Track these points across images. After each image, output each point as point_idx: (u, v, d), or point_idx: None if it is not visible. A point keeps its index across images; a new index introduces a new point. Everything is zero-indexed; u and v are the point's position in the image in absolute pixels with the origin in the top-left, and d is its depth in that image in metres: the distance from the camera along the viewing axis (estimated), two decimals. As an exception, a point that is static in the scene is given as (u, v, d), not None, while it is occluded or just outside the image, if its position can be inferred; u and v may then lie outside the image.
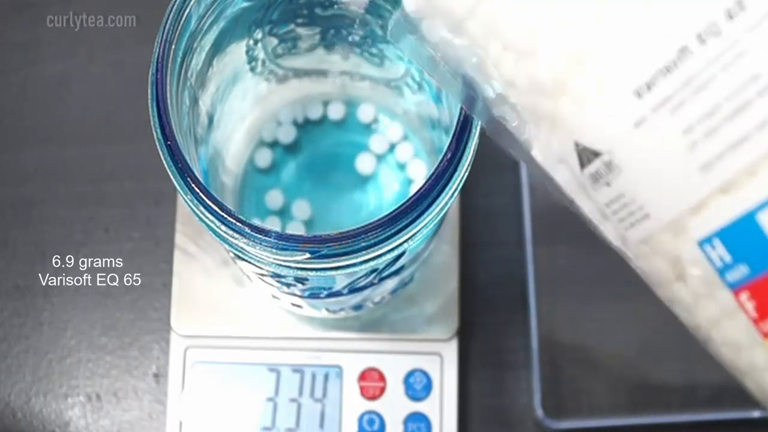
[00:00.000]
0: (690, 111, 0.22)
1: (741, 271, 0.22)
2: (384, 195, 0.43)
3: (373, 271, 0.33)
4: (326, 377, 0.43)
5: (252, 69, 0.39)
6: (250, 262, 0.31)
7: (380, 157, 0.43)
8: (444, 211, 0.30)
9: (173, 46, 0.30)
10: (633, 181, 0.23)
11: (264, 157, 0.43)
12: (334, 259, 0.29)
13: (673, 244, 0.24)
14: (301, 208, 0.42)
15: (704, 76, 0.22)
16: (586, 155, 0.24)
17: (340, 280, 0.34)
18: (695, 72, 0.22)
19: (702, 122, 0.22)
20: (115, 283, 0.46)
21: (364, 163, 0.43)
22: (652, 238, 0.24)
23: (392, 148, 0.43)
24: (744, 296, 0.23)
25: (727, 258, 0.22)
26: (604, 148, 0.23)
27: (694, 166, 0.22)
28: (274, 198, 0.42)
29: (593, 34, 0.23)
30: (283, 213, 0.42)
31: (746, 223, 0.22)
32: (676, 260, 0.24)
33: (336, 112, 0.43)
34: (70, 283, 0.46)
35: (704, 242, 0.23)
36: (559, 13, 0.24)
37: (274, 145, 0.43)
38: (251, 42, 0.37)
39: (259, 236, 0.28)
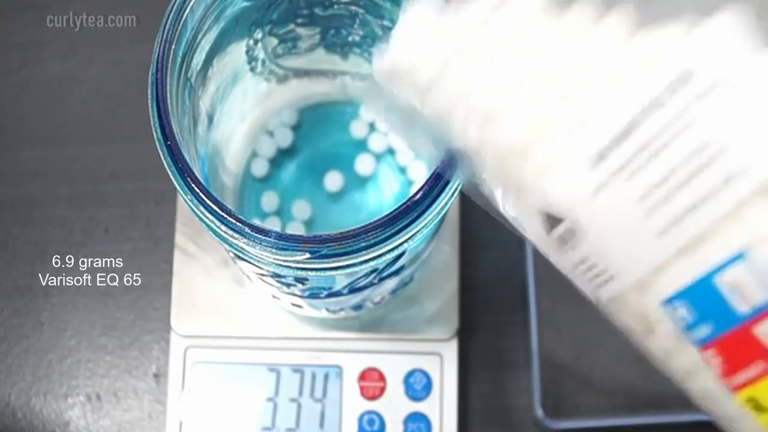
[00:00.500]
0: (644, 178, 0.22)
1: (704, 331, 0.23)
2: (384, 195, 0.43)
3: (373, 271, 0.33)
4: (326, 377, 0.43)
5: (252, 69, 0.39)
6: (250, 262, 0.31)
7: (380, 157, 0.43)
8: (444, 211, 0.30)
9: (173, 46, 0.30)
10: (595, 245, 0.24)
11: (260, 167, 0.43)
12: (334, 259, 0.29)
13: (640, 303, 0.24)
14: (301, 208, 0.42)
15: (655, 145, 0.22)
16: (550, 221, 0.25)
17: (340, 280, 0.34)
18: (646, 141, 0.22)
19: (656, 189, 0.22)
20: (115, 283, 0.46)
21: (363, 164, 0.43)
22: (619, 297, 0.25)
23: (392, 148, 0.43)
24: (709, 353, 0.23)
25: (690, 318, 0.23)
26: (566, 215, 0.24)
27: (652, 231, 0.23)
28: (271, 199, 0.42)
29: (551, 105, 0.24)
30: (283, 213, 0.42)
31: (704, 285, 0.22)
32: (644, 317, 0.24)
33: (336, 112, 0.43)
34: (70, 283, 0.46)
35: (667, 303, 0.23)
36: (519, 85, 0.24)
37: (272, 148, 0.43)
38: (251, 42, 0.37)
39: (259, 236, 0.28)
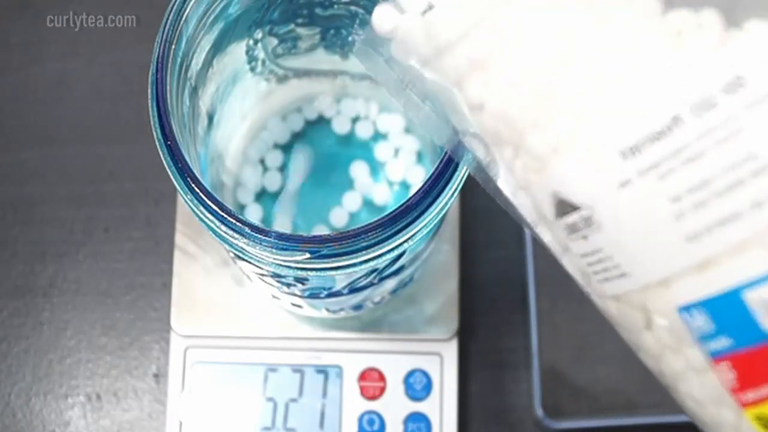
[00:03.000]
0: (679, 181, 0.21)
1: (722, 343, 0.22)
2: (384, 195, 0.43)
3: (373, 271, 0.33)
4: (326, 377, 0.43)
5: (252, 69, 0.39)
6: (250, 262, 0.31)
7: (380, 156, 0.43)
8: (444, 211, 0.30)
9: (173, 46, 0.30)
10: (612, 240, 0.23)
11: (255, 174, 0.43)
12: (334, 259, 0.29)
13: (648, 302, 0.23)
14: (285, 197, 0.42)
15: (696, 148, 0.21)
16: (563, 207, 0.24)
17: (340, 280, 0.34)
18: (687, 143, 0.21)
19: (691, 193, 0.21)
20: (114, 283, 0.46)
21: (363, 163, 0.43)
22: (626, 294, 0.24)
23: (393, 147, 0.43)
24: (724, 366, 0.22)
25: (709, 328, 0.22)
26: (585, 203, 0.23)
27: (681, 235, 0.22)
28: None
29: (587, 87, 0.23)
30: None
31: (731, 298, 0.21)
32: (646, 312, 0.24)
33: (336, 112, 0.43)
34: (70, 283, 0.46)
35: (684, 309, 0.22)
36: (556, 60, 0.23)
37: (273, 147, 0.43)
38: (251, 42, 0.37)
39: (259, 236, 0.28)
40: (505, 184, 0.26)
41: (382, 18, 0.26)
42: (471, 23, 0.24)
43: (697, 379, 0.23)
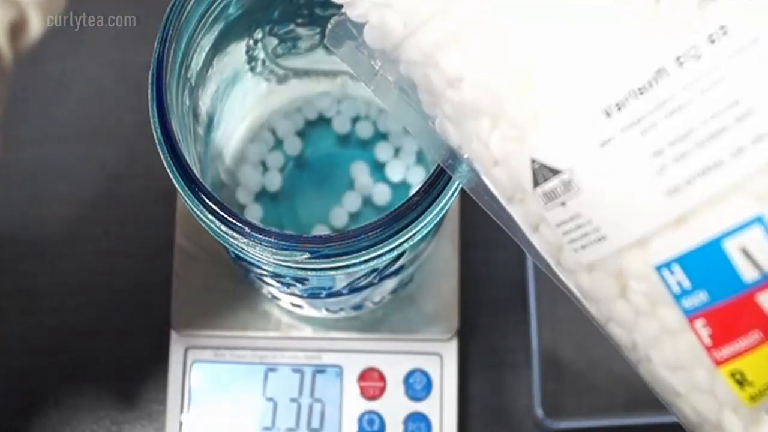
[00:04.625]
0: (661, 134, 0.22)
1: (699, 298, 0.22)
2: (384, 195, 0.43)
3: (373, 271, 0.33)
4: (326, 377, 0.43)
5: (252, 69, 0.39)
6: (250, 262, 0.31)
7: (380, 156, 0.43)
8: (444, 211, 0.30)
9: (173, 46, 0.30)
10: (592, 202, 0.23)
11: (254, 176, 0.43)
12: (334, 258, 0.29)
13: (624, 265, 0.23)
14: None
15: (680, 99, 0.21)
16: (542, 173, 0.23)
17: (340, 280, 0.34)
18: (671, 95, 0.21)
19: (673, 145, 0.21)
20: (115, 283, 0.46)
21: (363, 163, 0.43)
22: (602, 260, 0.23)
23: (393, 147, 0.43)
24: (699, 323, 0.22)
25: (686, 284, 0.22)
26: (565, 167, 0.23)
27: (662, 189, 0.22)
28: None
29: (569, 50, 0.23)
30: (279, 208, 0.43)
31: (711, 250, 0.22)
32: (621, 277, 0.23)
33: (336, 112, 0.43)
34: (70, 282, 0.46)
35: (662, 266, 0.22)
36: (535, 25, 0.23)
37: (273, 147, 0.43)
38: (251, 42, 0.37)
39: (259, 236, 0.28)
40: (478, 164, 0.26)
41: (353, 1, 0.26)
42: None
43: (671, 341, 0.23)
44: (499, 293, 0.46)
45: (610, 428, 0.44)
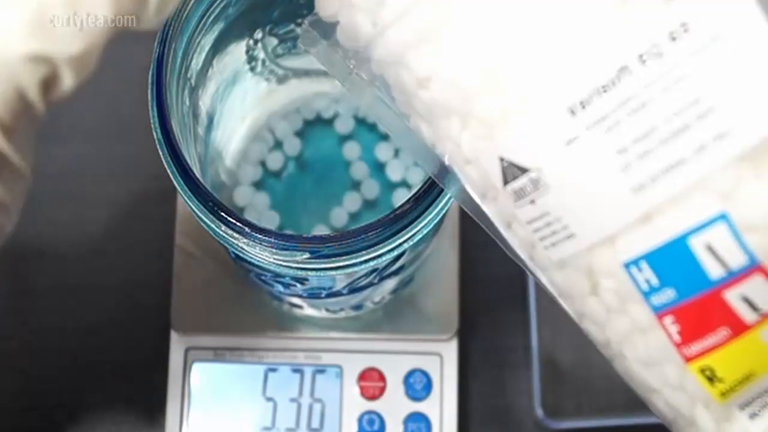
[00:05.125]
0: (625, 132, 0.22)
1: (667, 295, 0.22)
2: (384, 195, 0.43)
3: (374, 270, 0.33)
4: (326, 377, 0.43)
5: (252, 69, 0.39)
6: (250, 262, 0.31)
7: (380, 156, 0.43)
8: (444, 211, 0.30)
9: (173, 46, 0.30)
10: (560, 200, 0.23)
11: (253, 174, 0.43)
12: (334, 258, 0.29)
13: (594, 262, 0.23)
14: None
15: (643, 97, 0.21)
16: (511, 171, 0.24)
17: (340, 280, 0.34)
18: (634, 93, 0.21)
19: (637, 143, 0.21)
20: (114, 283, 0.46)
21: (363, 163, 0.43)
22: (571, 258, 0.24)
23: (393, 147, 0.43)
24: (668, 320, 0.22)
25: (654, 281, 0.22)
26: (533, 165, 0.23)
27: (627, 187, 0.22)
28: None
29: (535, 49, 0.23)
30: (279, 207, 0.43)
31: (677, 247, 0.22)
32: (592, 275, 0.24)
33: (336, 112, 0.43)
34: (70, 282, 0.46)
35: (630, 264, 0.22)
36: (496, 16, 0.23)
37: (274, 147, 0.43)
38: (251, 42, 0.37)
39: (259, 236, 0.28)
40: (451, 163, 0.26)
41: (325, 1, 0.26)
42: None
43: (642, 339, 0.23)
44: (499, 293, 0.46)
45: (610, 428, 0.44)
